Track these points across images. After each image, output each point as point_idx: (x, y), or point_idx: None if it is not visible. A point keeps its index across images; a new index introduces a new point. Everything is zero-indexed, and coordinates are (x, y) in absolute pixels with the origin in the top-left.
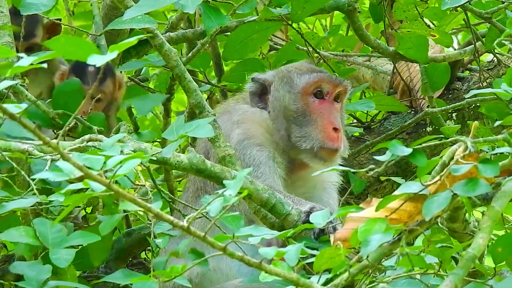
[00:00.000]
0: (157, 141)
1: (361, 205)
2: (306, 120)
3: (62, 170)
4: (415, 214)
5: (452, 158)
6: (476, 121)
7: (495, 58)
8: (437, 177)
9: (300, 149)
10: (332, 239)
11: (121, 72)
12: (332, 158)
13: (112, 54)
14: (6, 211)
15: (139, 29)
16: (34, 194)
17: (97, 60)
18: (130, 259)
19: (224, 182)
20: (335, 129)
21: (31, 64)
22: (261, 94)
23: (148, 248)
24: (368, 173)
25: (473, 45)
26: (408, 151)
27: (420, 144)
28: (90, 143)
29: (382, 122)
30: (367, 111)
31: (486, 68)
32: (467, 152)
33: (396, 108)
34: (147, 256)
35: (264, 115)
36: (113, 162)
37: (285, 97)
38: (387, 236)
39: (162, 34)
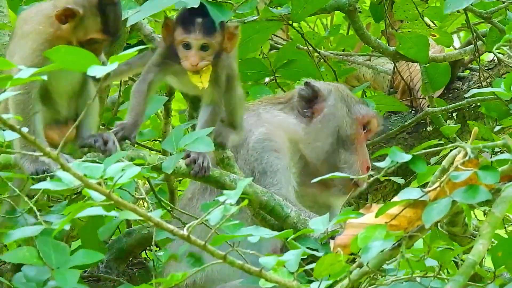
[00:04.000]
0: (158, 140)
1: (361, 211)
2: (352, 147)
3: (62, 180)
4: (414, 220)
5: (452, 163)
6: (476, 127)
7: (495, 57)
8: (437, 183)
9: (340, 171)
10: (332, 245)
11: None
12: (353, 193)
13: (112, 66)
14: (11, 240)
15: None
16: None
17: (97, 71)
18: (130, 258)
19: (224, 192)
20: (368, 168)
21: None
22: (308, 101)
23: (148, 248)
24: (368, 179)
25: (473, 45)
26: (407, 157)
27: (421, 150)
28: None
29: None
30: None
31: (486, 68)
32: (467, 158)
33: (397, 107)
34: (147, 255)
35: (293, 122)
36: (113, 170)
37: (344, 117)
38: (387, 243)
39: None
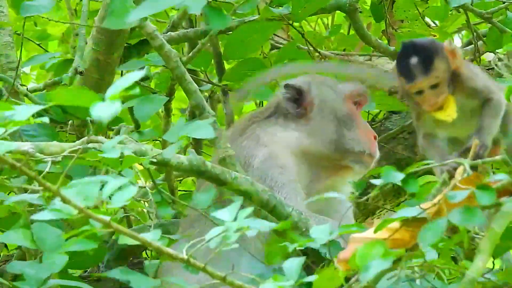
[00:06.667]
0: (158, 140)
1: (364, 225)
2: (353, 124)
3: (61, 210)
4: (417, 233)
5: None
6: (476, 140)
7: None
8: (436, 199)
9: (351, 151)
10: (335, 260)
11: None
12: (370, 164)
13: (115, 105)
14: (8, 203)
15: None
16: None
17: (100, 110)
18: (131, 258)
19: (226, 224)
20: (374, 137)
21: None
22: (295, 101)
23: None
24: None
25: (473, 45)
26: (400, 176)
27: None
28: (90, 145)
29: (383, 122)
30: (368, 111)
31: (487, 68)
32: (465, 175)
33: (397, 107)
34: (147, 255)
35: (294, 135)
36: (110, 188)
37: (334, 99)
38: (386, 262)
39: (163, 33)
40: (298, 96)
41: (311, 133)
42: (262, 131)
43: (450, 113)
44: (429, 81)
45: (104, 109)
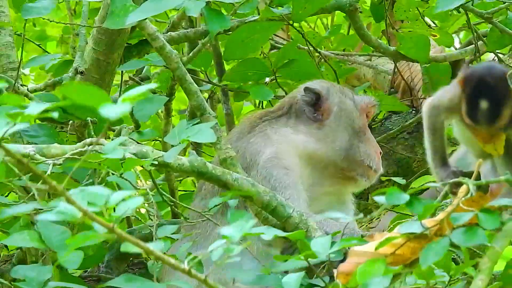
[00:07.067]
0: (158, 140)
1: (365, 238)
2: (365, 137)
3: (65, 212)
4: (418, 249)
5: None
6: (480, 160)
7: (496, 57)
8: (438, 217)
9: (360, 163)
10: (335, 272)
11: None
12: (374, 179)
13: (125, 106)
14: (6, 216)
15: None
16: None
17: (109, 111)
18: (131, 258)
19: (227, 235)
20: (380, 153)
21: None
22: (312, 105)
23: None
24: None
25: (473, 45)
26: (405, 198)
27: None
28: (91, 147)
29: (383, 122)
30: None
31: None
32: (468, 195)
33: (397, 107)
34: (148, 256)
35: (303, 139)
36: (116, 198)
37: (353, 110)
38: (386, 280)
39: (163, 33)
40: (316, 101)
41: (321, 138)
42: (271, 130)
43: (498, 148)
44: (492, 129)
45: (112, 109)
